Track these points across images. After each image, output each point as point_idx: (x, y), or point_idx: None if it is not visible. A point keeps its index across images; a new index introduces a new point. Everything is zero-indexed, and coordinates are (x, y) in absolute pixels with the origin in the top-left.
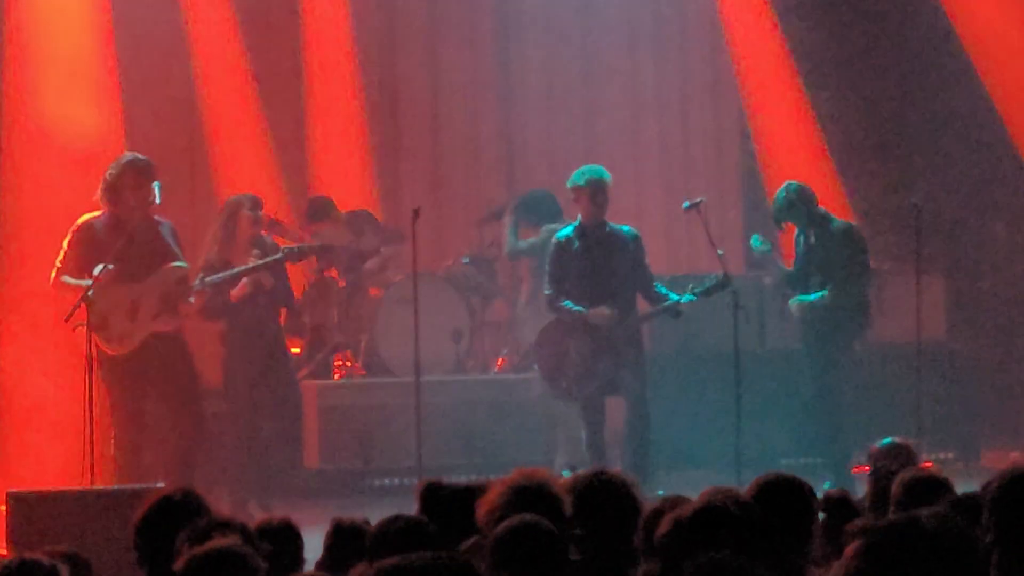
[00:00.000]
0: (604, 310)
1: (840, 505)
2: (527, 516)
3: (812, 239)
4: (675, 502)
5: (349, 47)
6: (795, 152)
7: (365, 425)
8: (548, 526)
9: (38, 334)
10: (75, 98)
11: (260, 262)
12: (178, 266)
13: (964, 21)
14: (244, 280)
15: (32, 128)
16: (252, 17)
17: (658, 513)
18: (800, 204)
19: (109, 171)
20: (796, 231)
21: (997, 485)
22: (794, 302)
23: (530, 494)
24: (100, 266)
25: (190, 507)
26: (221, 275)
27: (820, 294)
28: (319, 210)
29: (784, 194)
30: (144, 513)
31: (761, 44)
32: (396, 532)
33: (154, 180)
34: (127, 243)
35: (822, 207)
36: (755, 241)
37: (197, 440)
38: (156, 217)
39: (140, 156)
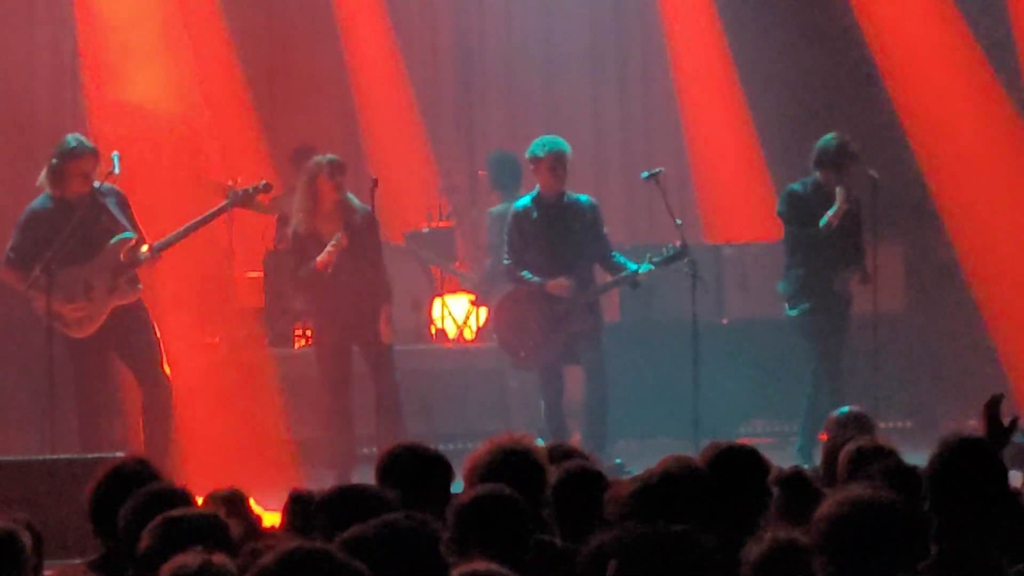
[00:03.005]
0: (563, 281)
1: (794, 481)
2: (493, 486)
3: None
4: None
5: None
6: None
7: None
8: (514, 496)
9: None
10: (151, 65)
11: (206, 215)
12: (124, 237)
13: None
14: (329, 248)
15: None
16: None
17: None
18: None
19: (53, 157)
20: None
21: (934, 456)
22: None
23: (514, 458)
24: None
25: (143, 476)
26: (168, 238)
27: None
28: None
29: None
30: (96, 483)
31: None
32: (341, 502)
33: (97, 165)
34: (75, 226)
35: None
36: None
37: (167, 408)
38: (99, 187)
39: (84, 142)
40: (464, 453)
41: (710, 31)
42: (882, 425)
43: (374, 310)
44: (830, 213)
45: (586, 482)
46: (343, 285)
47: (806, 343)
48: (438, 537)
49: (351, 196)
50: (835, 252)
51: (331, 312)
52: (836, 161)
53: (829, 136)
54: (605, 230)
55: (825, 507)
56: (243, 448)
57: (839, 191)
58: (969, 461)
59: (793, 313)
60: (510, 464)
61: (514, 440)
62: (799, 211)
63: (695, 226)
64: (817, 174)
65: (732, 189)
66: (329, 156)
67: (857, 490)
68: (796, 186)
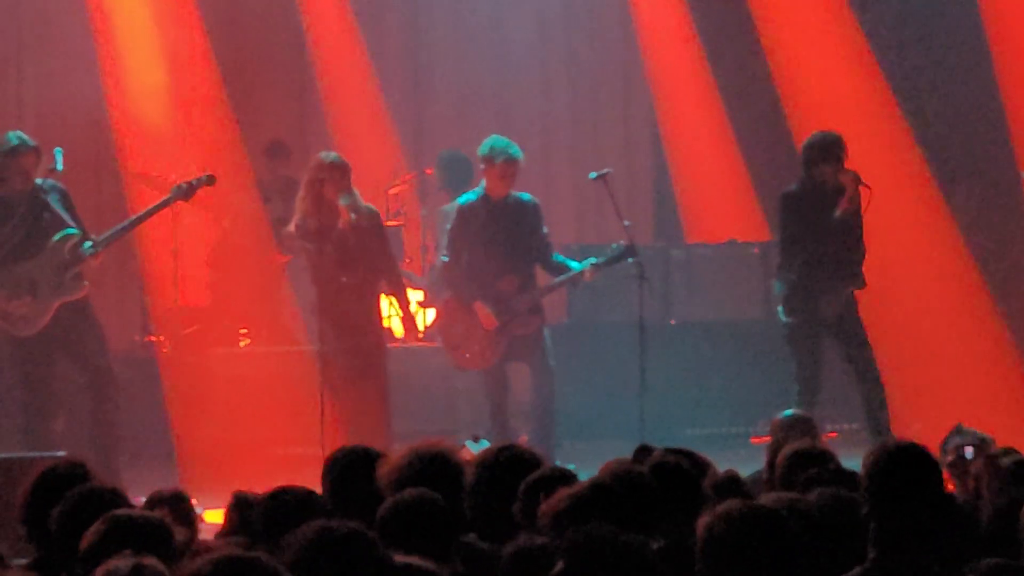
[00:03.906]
0: (485, 309)
1: (728, 485)
2: (416, 491)
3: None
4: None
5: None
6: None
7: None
8: (437, 499)
9: None
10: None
11: (148, 209)
12: (67, 234)
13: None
14: (345, 209)
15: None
16: None
17: (537, 485)
18: None
19: None
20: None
21: (871, 461)
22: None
23: (431, 462)
24: None
25: (77, 478)
26: (110, 233)
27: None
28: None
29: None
30: (29, 486)
31: (669, 23)
32: (284, 504)
33: (38, 163)
34: (17, 223)
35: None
36: None
37: (115, 403)
38: (41, 183)
39: (25, 140)
40: None
41: (679, 28)
42: (829, 427)
43: (373, 312)
44: (836, 215)
45: (556, 483)
46: (345, 286)
47: (790, 349)
48: (369, 541)
49: (357, 195)
50: (830, 260)
51: (334, 313)
52: (829, 154)
53: (816, 134)
54: (545, 229)
55: (701, 521)
56: (195, 449)
57: (847, 177)
58: (906, 465)
59: (783, 320)
60: (426, 469)
61: (430, 445)
62: (799, 212)
63: (646, 227)
64: (808, 174)
65: (691, 189)
66: (332, 155)
67: (730, 504)
68: (792, 187)
